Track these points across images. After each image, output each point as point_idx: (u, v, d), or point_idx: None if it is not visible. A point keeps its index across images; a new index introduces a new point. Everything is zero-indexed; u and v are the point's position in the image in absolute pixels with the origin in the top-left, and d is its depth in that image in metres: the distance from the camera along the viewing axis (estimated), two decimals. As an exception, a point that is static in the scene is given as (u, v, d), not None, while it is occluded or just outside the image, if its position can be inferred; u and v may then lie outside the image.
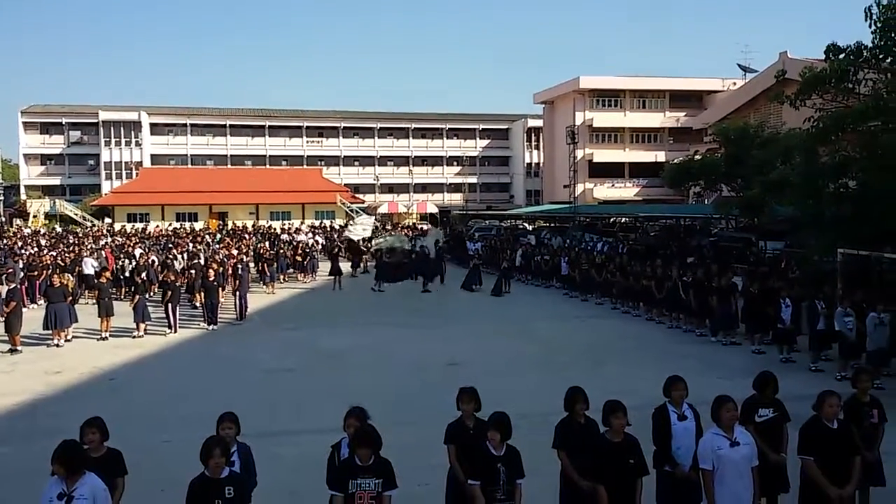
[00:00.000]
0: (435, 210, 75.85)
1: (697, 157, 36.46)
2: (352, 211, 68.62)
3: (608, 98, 67.31)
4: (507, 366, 15.67)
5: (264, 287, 28.31)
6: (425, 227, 61.27)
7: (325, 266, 34.48)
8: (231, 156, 78.87)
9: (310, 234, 49.12)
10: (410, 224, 64.60)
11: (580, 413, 6.92)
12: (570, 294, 27.00)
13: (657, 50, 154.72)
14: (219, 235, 50.62)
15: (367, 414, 6.54)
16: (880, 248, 20.56)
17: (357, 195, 74.79)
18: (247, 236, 49.40)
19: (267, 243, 40.95)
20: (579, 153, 57.58)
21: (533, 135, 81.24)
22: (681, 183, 38.02)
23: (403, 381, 14.41)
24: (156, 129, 78.36)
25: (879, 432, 7.53)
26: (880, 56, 20.63)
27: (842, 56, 21.21)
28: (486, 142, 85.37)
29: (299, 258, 33.10)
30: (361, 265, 34.61)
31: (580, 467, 6.62)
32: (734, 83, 60.50)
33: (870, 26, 20.25)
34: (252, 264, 31.77)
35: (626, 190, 67.26)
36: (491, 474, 6.10)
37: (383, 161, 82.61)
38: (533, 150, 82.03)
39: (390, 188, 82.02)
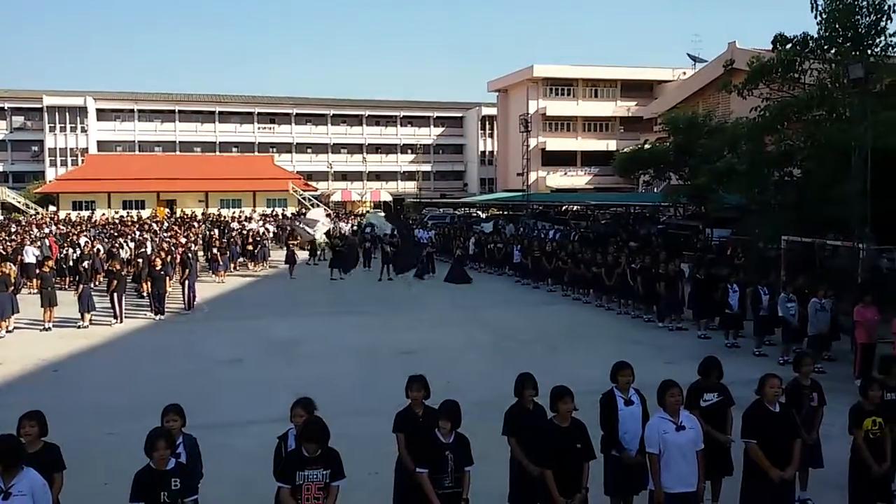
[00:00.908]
0: (389, 198, 75.44)
1: (647, 146, 36.91)
2: (304, 199, 67.94)
3: (561, 87, 67.69)
4: (458, 353, 15.70)
5: (214, 276, 27.91)
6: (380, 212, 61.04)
7: (276, 255, 34.14)
8: (180, 142, 77.25)
9: (261, 223, 48.52)
10: (363, 212, 64.22)
11: (529, 399, 6.95)
12: (522, 281, 27.18)
13: (610, 39, 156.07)
14: (166, 223, 49.67)
15: (314, 404, 6.46)
16: (823, 235, 21.12)
17: (310, 183, 73.96)
18: (196, 224, 48.61)
19: (217, 231, 40.36)
20: (532, 141, 57.81)
21: (487, 123, 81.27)
22: (631, 171, 38.49)
23: (354, 370, 14.35)
24: (102, 114, 76.30)
25: (819, 415, 7.73)
26: (825, 46, 21.14)
27: (788, 46, 21.69)
28: (440, 130, 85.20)
29: (250, 247, 32.68)
30: (319, 253, 34.34)
31: (530, 453, 6.65)
32: (684, 73, 61.30)
33: (816, 17, 20.72)
34: (201, 253, 31.29)
35: (578, 178, 67.83)
36: (439, 462, 6.09)
37: (337, 148, 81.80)
38: (487, 138, 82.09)
39: (344, 176, 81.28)
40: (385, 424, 7.09)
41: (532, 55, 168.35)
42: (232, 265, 30.43)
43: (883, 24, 20.13)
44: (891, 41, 20.46)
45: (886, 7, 19.85)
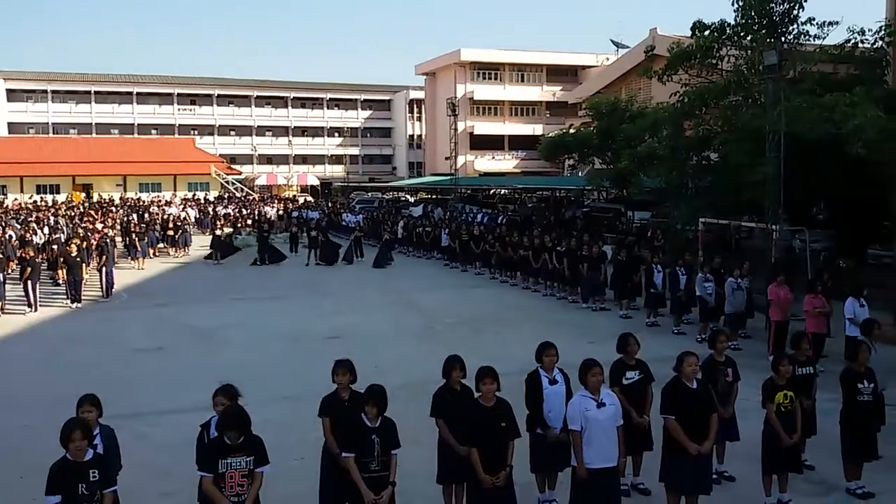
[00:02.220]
0: (316, 182, 74.58)
1: (572, 130, 37.48)
2: (227, 182, 66.49)
3: (488, 71, 67.96)
4: (387, 337, 15.69)
5: (132, 262, 27.11)
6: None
7: (198, 240, 33.36)
8: (96, 124, 74.34)
9: (181, 207, 47.31)
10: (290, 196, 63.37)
11: (457, 380, 7.01)
12: (450, 265, 27.29)
13: (536, 23, 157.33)
14: (83, 208, 47.90)
15: (236, 391, 6.36)
16: (738, 217, 21.91)
17: (233, 166, 72.37)
18: (113, 209, 47.08)
19: (135, 216, 39.19)
20: (460, 125, 57.93)
21: (415, 106, 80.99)
22: (556, 156, 39.05)
23: (280, 357, 14.18)
24: (13, 95, 72.74)
25: (734, 390, 8.03)
26: (742, 34, 21.84)
27: (707, 33, 22.32)
28: (367, 113, 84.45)
29: (170, 232, 31.83)
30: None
31: (457, 433, 6.71)
32: (607, 58, 62.36)
33: (733, 4, 21.38)
34: (119, 238, 30.37)
35: (505, 162, 68.44)
36: (365, 445, 6.09)
37: (261, 131, 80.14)
38: (416, 121, 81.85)
39: (269, 159, 79.76)
40: (311, 410, 7.04)
41: (459, 39, 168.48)
42: (151, 251, 29.61)
43: (796, 12, 20.92)
44: (803, 29, 21.32)
45: (799, -4, 20.63)
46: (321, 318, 17.83)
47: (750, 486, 7.76)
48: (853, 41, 21.74)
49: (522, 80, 69.03)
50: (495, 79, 68.27)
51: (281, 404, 10.89)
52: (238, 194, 63.92)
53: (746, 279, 14.84)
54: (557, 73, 68.93)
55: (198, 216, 44.89)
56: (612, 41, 63.31)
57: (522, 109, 69.93)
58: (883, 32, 21.57)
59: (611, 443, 6.46)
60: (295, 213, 41.29)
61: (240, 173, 71.44)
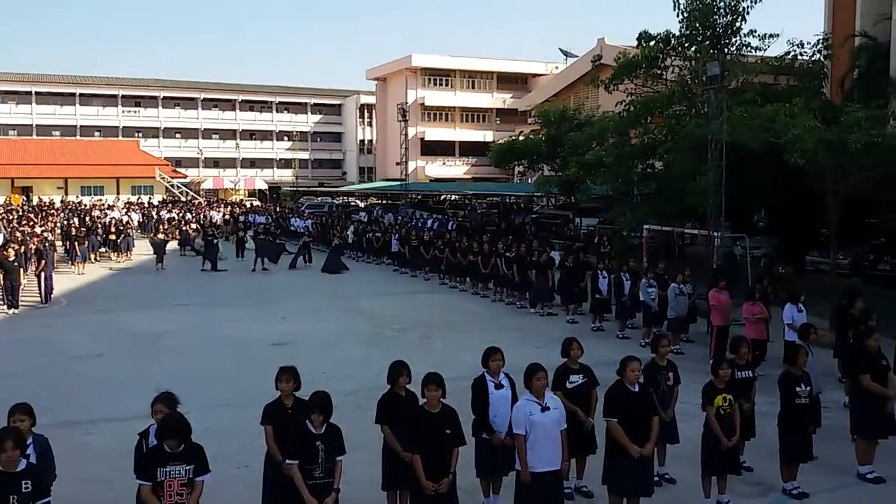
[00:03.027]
0: (264, 186, 73.73)
1: (521, 137, 37.82)
2: (172, 186, 65.30)
3: (439, 77, 68.14)
4: (334, 343, 15.57)
5: (72, 267, 26.41)
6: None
7: (141, 245, 32.66)
8: (37, 125, 72.20)
9: (124, 211, 46.30)
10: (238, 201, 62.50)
11: (402, 386, 6.99)
12: (400, 270, 27.22)
13: (486, 32, 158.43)
14: (21, 211, 46.50)
15: (176, 399, 6.27)
16: (682, 223, 22.38)
17: (179, 170, 71.12)
18: (54, 212, 45.83)
19: (76, 220, 38.18)
20: (411, 131, 57.97)
21: (366, 111, 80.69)
22: (506, 162, 39.37)
23: (223, 364, 13.93)
24: (-51, 95, 70.37)
25: (675, 394, 8.17)
26: (686, 45, 22.36)
27: (652, 44, 22.79)
28: (318, 117, 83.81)
29: (112, 236, 31.08)
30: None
31: (401, 440, 6.69)
32: (556, 67, 63.10)
33: (677, 16, 21.88)
34: (59, 243, 29.55)
35: (456, 168, 68.66)
36: (309, 452, 6.03)
37: (208, 134, 78.85)
38: (366, 126, 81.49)
39: (216, 162, 78.53)
40: (255, 417, 6.94)
41: (411, 45, 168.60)
42: (92, 256, 28.87)
43: (738, 24, 21.53)
44: (745, 41, 21.94)
45: (741, 9, 21.24)
46: (267, 324, 17.60)
47: (690, 487, 7.90)
48: (793, 53, 22.44)
49: (473, 87, 69.40)
50: (446, 85, 68.49)
51: (224, 412, 10.72)
52: (183, 198, 62.84)
53: (689, 285, 15.14)
54: (507, 81, 69.53)
55: (141, 220, 43.99)
56: (561, 50, 63.95)
57: (473, 116, 70.28)
58: (821, 45, 22.35)
59: (554, 446, 6.51)
60: (241, 218, 40.69)
61: (185, 177, 70.23)
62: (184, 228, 34.15)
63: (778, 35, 22.19)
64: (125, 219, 39.43)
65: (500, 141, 41.78)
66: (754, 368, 8.93)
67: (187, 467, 5.59)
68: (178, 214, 44.70)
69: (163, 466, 5.53)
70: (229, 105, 79.64)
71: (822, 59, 22.56)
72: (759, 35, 21.90)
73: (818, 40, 22.55)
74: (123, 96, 75.64)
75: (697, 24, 21.57)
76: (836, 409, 10.22)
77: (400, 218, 40.04)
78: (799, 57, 22.52)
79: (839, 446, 8.98)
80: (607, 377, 7.33)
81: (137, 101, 76.75)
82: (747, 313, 12.80)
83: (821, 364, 10.03)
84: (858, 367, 8.76)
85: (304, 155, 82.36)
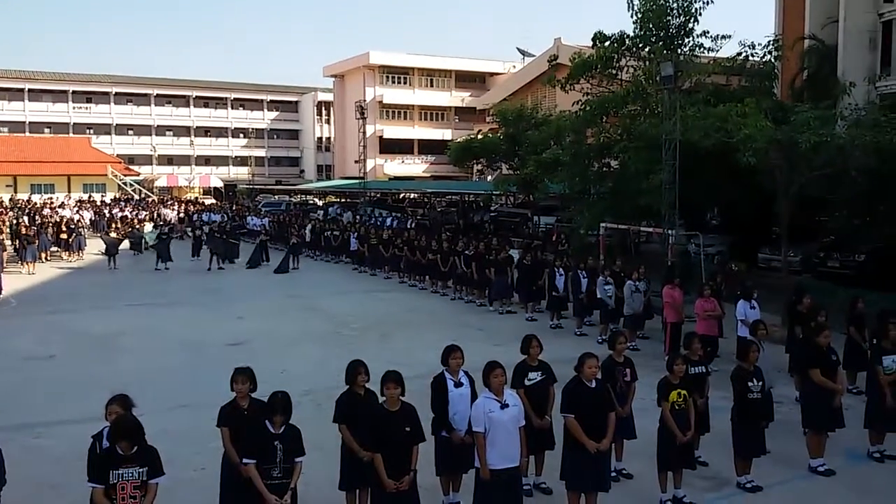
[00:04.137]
0: (219, 184, 72.71)
1: (480, 136, 37.92)
2: (125, 184, 64.01)
3: (397, 75, 67.97)
4: (292, 343, 15.43)
5: (23, 267, 25.75)
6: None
7: (93, 244, 31.99)
8: (-17, 122, 70.26)
9: (76, 209, 45.26)
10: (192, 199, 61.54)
11: (360, 385, 6.98)
12: (359, 269, 27.09)
13: (445, 30, 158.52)
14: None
15: (130, 401, 6.17)
16: (637, 221, 22.67)
17: (131, 167, 69.65)
18: (3, 211, 44.59)
19: (26, 219, 37.21)
20: (370, 129, 57.74)
21: (324, 108, 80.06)
22: (464, 161, 39.40)
23: (179, 364, 13.73)
24: None
25: (632, 390, 8.28)
26: (640, 45, 22.63)
27: (607, 44, 23.02)
28: (274, 114, 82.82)
29: (64, 235, 30.37)
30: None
31: (360, 439, 6.67)
32: (514, 66, 63.44)
33: (632, 17, 22.14)
34: (8, 242, 28.79)
35: (415, 166, 68.57)
36: (267, 452, 5.98)
37: (161, 130, 77.36)
38: (324, 124, 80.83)
39: (169, 160, 77.10)
40: (211, 419, 6.86)
41: (368, 42, 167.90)
42: (43, 255, 28.18)
43: (691, 25, 21.88)
44: (698, 42, 22.30)
45: (694, 10, 21.58)
46: (223, 324, 17.37)
47: (647, 482, 8.02)
48: (744, 54, 22.86)
49: (432, 85, 69.40)
50: (405, 83, 68.35)
51: (180, 413, 10.57)
52: (136, 196, 61.69)
53: (644, 282, 15.36)
54: (466, 80, 69.68)
55: (93, 218, 43.06)
56: (519, 49, 64.60)
57: (432, 114, 70.28)
58: (772, 47, 22.81)
59: (513, 443, 6.55)
60: (196, 217, 40.10)
61: (138, 174, 68.79)
62: (137, 228, 33.52)
63: (730, 36, 22.63)
64: (77, 217, 38.54)
65: (459, 139, 41.79)
66: (708, 364, 9.10)
67: (140, 470, 5.53)
68: (130, 213, 43.90)
69: (115, 469, 5.47)
70: (183, 101, 78.25)
71: (772, 60, 23.04)
72: (711, 36, 22.30)
73: (769, 42, 23.02)
74: (74, 92, 73.82)
75: (651, 25, 21.86)
76: (788, 403, 10.47)
77: (359, 216, 39.85)
78: (750, 58, 22.95)
79: (791, 440, 9.20)
80: (566, 374, 7.40)
81: (89, 97, 74.98)
82: (699, 309, 13.03)
83: (773, 359, 10.28)
84: (809, 362, 8.98)
85: (261, 152, 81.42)
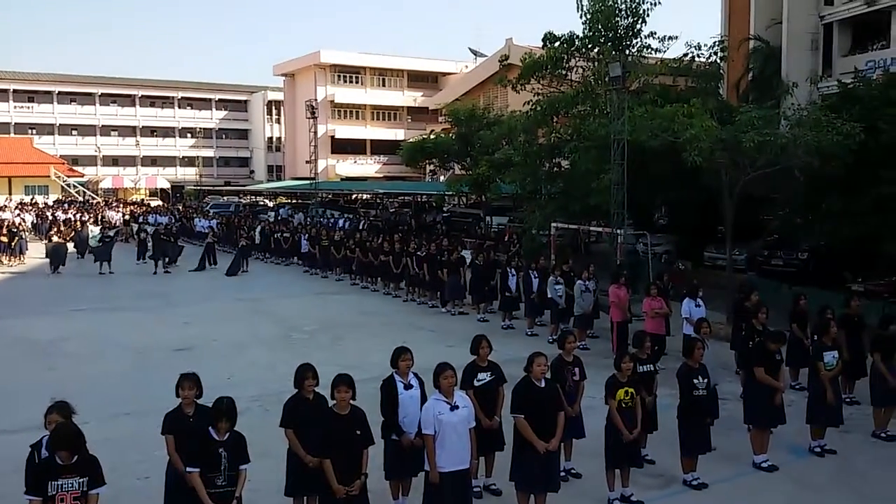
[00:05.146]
0: (166, 185, 71.35)
1: (432, 136, 37.89)
2: (68, 185, 62.40)
3: (349, 74, 67.56)
4: (240, 347, 15.20)
5: (-41, 271, 24.92)
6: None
7: (35, 248, 31.11)
8: (-81, 121, 67.74)
9: (17, 212, 43.95)
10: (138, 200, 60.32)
11: (309, 389, 6.90)
12: (310, 271, 26.85)
13: (396, 30, 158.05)
14: None
15: (70, 408, 6.02)
16: (587, 221, 22.88)
17: (75, 168, 67.93)
18: (-62, 214, 43.01)
19: (-36, 222, 35.92)
20: (321, 128, 57.23)
21: (274, 108, 79.10)
22: (417, 161, 39.32)
23: (123, 371, 13.42)
24: None
25: (581, 389, 8.34)
26: (589, 46, 22.83)
27: (557, 45, 23.16)
28: (223, 113, 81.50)
29: (4, 238, 29.44)
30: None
31: (309, 444, 6.58)
32: (466, 66, 63.56)
33: (581, 18, 22.32)
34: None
35: (368, 166, 68.25)
36: (212, 460, 5.89)
37: (106, 131, 75.52)
38: (274, 123, 79.86)
39: (115, 161, 75.30)
40: (156, 426, 6.73)
41: (319, 41, 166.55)
42: (-18, 259, 27.31)
43: (639, 27, 22.14)
44: (646, 43, 22.59)
45: (641, 11, 21.85)
46: (168, 329, 17.03)
47: (596, 481, 8.07)
48: (691, 55, 23.22)
49: (384, 85, 69.16)
50: (356, 82, 67.98)
51: (123, 421, 10.32)
52: (80, 198, 60.18)
53: (593, 281, 15.50)
54: (418, 79, 69.63)
55: (35, 221, 41.87)
56: (471, 49, 64.56)
57: (384, 114, 70.04)
58: (717, 48, 23.22)
59: (463, 445, 6.55)
60: (142, 219, 39.26)
61: (82, 175, 67.15)
62: (81, 230, 32.65)
63: (677, 37, 22.95)
64: (18, 220, 37.43)
65: (412, 140, 41.72)
66: (655, 362, 9.21)
67: (81, 480, 5.41)
68: (74, 215, 42.80)
69: (54, 480, 5.34)
70: (129, 101, 76.50)
71: (718, 61, 23.46)
72: (658, 37, 22.59)
73: (714, 43, 23.43)
74: (15, 91, 71.56)
75: (600, 26, 22.06)
76: (733, 400, 10.66)
77: (310, 218, 39.47)
78: (696, 59, 23.33)
79: (736, 436, 9.37)
80: (517, 374, 7.41)
81: (30, 97, 72.82)
82: (647, 308, 13.21)
83: (718, 356, 10.46)
84: (754, 360, 9.16)
85: (209, 152, 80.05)
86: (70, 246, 29.57)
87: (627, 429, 7.65)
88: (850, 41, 27.77)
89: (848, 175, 16.61)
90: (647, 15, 21.92)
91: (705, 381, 8.34)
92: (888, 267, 18.70)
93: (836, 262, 20.00)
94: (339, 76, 66.92)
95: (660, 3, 21.79)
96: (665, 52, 23.17)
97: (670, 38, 22.75)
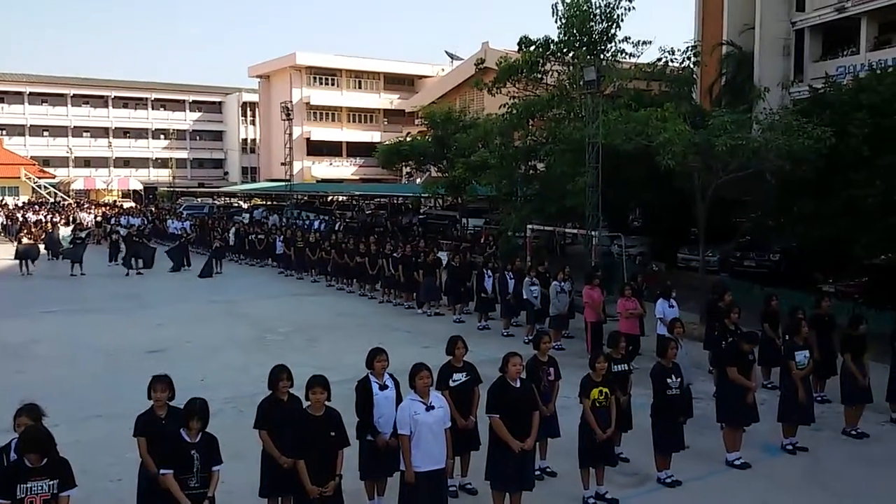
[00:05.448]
0: (139, 186, 70.61)
1: (409, 138, 37.90)
2: (40, 187, 61.54)
3: (325, 76, 67.36)
4: (214, 349, 15.06)
5: (-74, 273, 24.44)
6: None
7: (5, 249, 30.64)
8: None
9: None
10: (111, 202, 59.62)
11: (283, 391, 6.86)
12: (285, 273, 26.70)
13: (373, 32, 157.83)
14: None
15: (40, 411, 5.95)
16: (563, 223, 23.02)
17: (47, 169, 67.05)
18: None
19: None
20: (297, 130, 57.10)
21: (249, 109, 78.57)
22: (393, 163, 39.33)
23: (94, 372, 13.25)
24: None
25: (556, 388, 8.38)
26: (564, 50, 22.99)
27: (532, 49, 23.30)
28: (197, 115, 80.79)
29: (-28, 240, 28.94)
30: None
31: (283, 445, 6.55)
32: (442, 69, 63.66)
33: (556, 22, 22.46)
34: None
35: (344, 169, 68.07)
36: (184, 462, 5.84)
37: (78, 132, 74.55)
38: (249, 125, 79.33)
39: (87, 162, 74.41)
40: (128, 428, 6.66)
41: (294, 42, 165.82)
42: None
43: (613, 31, 22.32)
44: (620, 47, 22.77)
45: (616, 16, 22.03)
46: (141, 331, 16.83)
47: (570, 480, 8.10)
48: (664, 60, 23.45)
49: (360, 87, 69.06)
50: (333, 84, 67.81)
51: (95, 423, 10.19)
52: (51, 199, 59.38)
53: (569, 282, 15.59)
54: (395, 82, 69.60)
55: (5, 223, 41.26)
56: (447, 52, 64.70)
57: (360, 116, 69.91)
58: (690, 53, 23.48)
59: (439, 445, 6.55)
60: (114, 220, 38.83)
61: (54, 177, 66.29)
62: (52, 232, 32.20)
63: (651, 42, 23.19)
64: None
65: (388, 142, 41.73)
66: (630, 362, 9.28)
67: (51, 482, 5.34)
68: (45, 216, 42.23)
69: (23, 482, 5.27)
70: (101, 101, 75.58)
71: (691, 66, 23.71)
72: (633, 42, 22.79)
73: (688, 48, 23.68)
74: (-15, 91, 70.60)
75: (575, 31, 22.21)
76: (706, 399, 10.76)
77: (285, 219, 39.27)
78: (670, 64, 23.56)
79: (709, 435, 9.46)
80: (493, 375, 7.42)
81: (1, 97, 71.78)
82: (621, 308, 13.31)
83: (692, 356, 10.56)
84: (727, 360, 9.26)
85: (183, 154, 79.31)
86: (41, 247, 29.18)
87: (602, 428, 7.69)
88: (821, 47, 28.22)
89: (819, 178, 16.85)
90: (622, 20, 22.14)
91: (679, 380, 8.41)
92: (858, 268, 19.01)
93: (807, 264, 20.30)
94: (314, 78, 66.69)
95: (634, 8, 22.02)
96: (639, 56, 23.39)
97: (644, 42, 22.97)
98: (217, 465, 6.01)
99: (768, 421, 9.58)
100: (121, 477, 7.96)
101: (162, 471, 5.90)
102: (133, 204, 60.26)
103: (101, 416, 10.50)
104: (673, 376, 8.37)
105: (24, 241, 28.12)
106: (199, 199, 58.33)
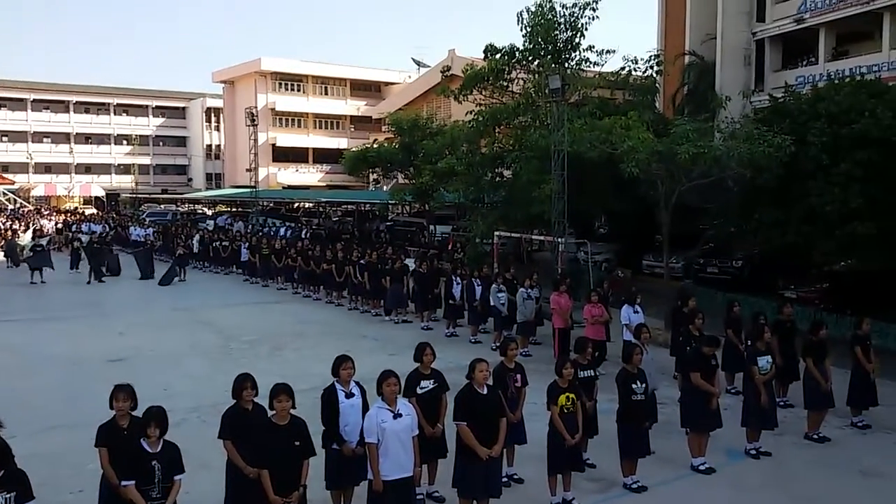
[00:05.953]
0: (101, 193, 69.43)
1: (375, 145, 37.83)
2: (-1, 193, 60.30)
3: (291, 82, 66.92)
4: (177, 357, 14.83)
5: None
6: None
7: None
8: None
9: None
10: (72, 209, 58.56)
11: (248, 400, 6.79)
12: (251, 280, 26.44)
13: (338, 39, 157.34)
14: None
15: (-2, 422, 5.76)
16: (530, 230, 23.14)
17: (6, 175, 65.59)
18: None
19: None
20: (262, 136, 56.58)
21: (213, 115, 77.75)
22: (360, 170, 39.19)
23: (53, 382, 12.97)
24: None
25: (522, 395, 8.38)
26: (530, 58, 23.16)
27: (498, 56, 23.44)
28: (160, 120, 79.69)
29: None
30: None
31: (248, 455, 6.46)
32: (409, 76, 63.68)
33: (521, 30, 22.62)
34: None
35: (310, 175, 67.68)
36: (145, 472, 5.76)
37: (38, 137, 73.07)
38: (213, 131, 78.46)
39: (47, 168, 72.96)
40: (88, 439, 6.54)
41: (259, 48, 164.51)
42: None
43: (578, 40, 22.54)
44: (585, 56, 23.01)
45: (580, 25, 22.26)
46: (102, 339, 16.51)
47: (537, 486, 8.12)
48: (628, 69, 23.75)
49: (326, 93, 68.75)
50: (298, 90, 67.39)
51: (54, 434, 9.96)
52: (10, 206, 58.13)
53: (536, 289, 15.66)
54: (361, 88, 69.43)
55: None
56: (414, 59, 64.75)
57: (327, 122, 69.58)
58: (653, 62, 23.80)
59: (406, 453, 6.52)
60: (75, 227, 38.13)
61: (13, 183, 64.86)
62: (11, 239, 31.54)
63: (614, 51, 23.48)
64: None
65: (355, 148, 41.57)
66: (596, 368, 9.33)
67: (8, 495, 5.24)
68: (3, 223, 41.32)
69: (-22, 496, 5.14)
70: (62, 107, 74.20)
71: (654, 75, 24.04)
72: (596, 51, 23.04)
73: (651, 57, 24.00)
74: (-59, 96, 68.95)
75: (540, 39, 22.39)
76: (671, 404, 10.83)
77: (251, 226, 38.91)
78: (633, 73, 23.87)
79: (675, 440, 9.53)
80: (461, 382, 7.41)
81: (-43, 102, 70.18)
82: (587, 315, 13.40)
83: (657, 361, 10.65)
84: (690, 365, 9.36)
85: (146, 160, 78.12)
86: (0, 255, 28.55)
87: (569, 434, 7.71)
88: (781, 57, 28.76)
89: (779, 186, 17.17)
90: (586, 29, 22.36)
91: (644, 385, 8.47)
92: (819, 275, 19.38)
93: (769, 270, 20.63)
94: (280, 84, 66.25)
95: (598, 17, 22.25)
96: (603, 65, 23.67)
97: (608, 51, 23.25)
98: (179, 473, 5.94)
99: (732, 426, 9.70)
100: (81, 488, 7.80)
101: (123, 482, 5.80)
102: (95, 211, 59.26)
103: (60, 426, 10.26)
104: (638, 382, 8.43)
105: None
106: (162, 206, 57.55)
